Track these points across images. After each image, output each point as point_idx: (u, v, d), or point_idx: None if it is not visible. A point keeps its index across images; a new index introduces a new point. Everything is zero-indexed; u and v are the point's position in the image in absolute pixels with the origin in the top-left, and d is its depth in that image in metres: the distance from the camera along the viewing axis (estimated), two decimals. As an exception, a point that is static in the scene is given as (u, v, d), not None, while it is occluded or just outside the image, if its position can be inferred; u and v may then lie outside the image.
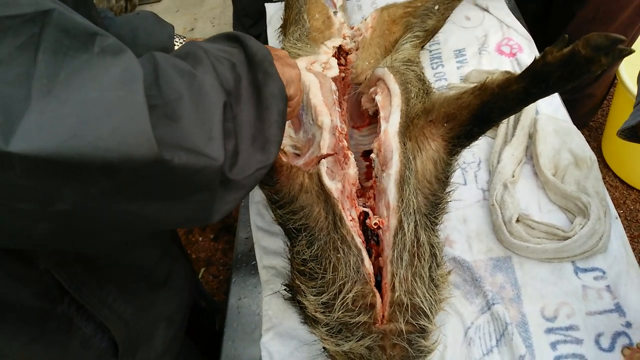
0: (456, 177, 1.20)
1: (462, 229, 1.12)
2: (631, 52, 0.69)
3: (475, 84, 0.91)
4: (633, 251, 1.95)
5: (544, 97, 0.82)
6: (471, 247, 1.08)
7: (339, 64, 1.24)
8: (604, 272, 1.01)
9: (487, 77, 0.89)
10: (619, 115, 2.03)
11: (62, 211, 0.45)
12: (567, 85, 0.77)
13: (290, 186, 0.89)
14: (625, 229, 2.03)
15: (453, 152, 0.92)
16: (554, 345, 0.94)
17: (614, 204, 2.09)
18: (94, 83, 0.44)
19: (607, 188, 2.13)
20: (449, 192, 0.96)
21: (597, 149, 2.24)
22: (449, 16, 1.36)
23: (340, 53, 1.25)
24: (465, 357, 0.95)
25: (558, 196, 1.10)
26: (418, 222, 0.87)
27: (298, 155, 1.03)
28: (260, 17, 1.71)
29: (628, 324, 0.95)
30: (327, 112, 0.95)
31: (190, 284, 1.08)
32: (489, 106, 0.85)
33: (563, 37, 0.74)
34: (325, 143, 0.93)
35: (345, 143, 0.95)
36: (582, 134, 2.23)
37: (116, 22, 0.94)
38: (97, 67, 0.45)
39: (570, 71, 0.72)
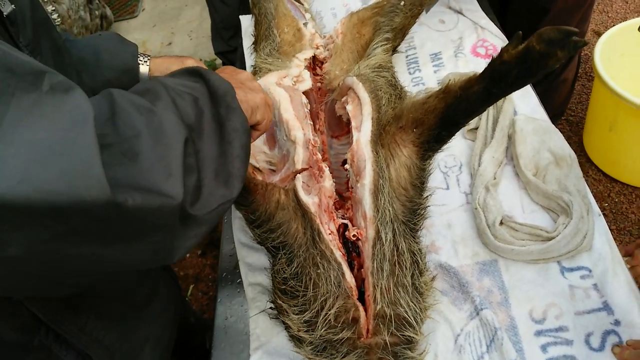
0: (438, 182, 1.20)
1: (447, 234, 1.11)
2: (585, 43, 0.69)
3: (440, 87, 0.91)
4: (620, 243, 1.97)
5: (506, 95, 0.83)
6: (457, 252, 1.08)
7: (315, 74, 1.23)
8: (590, 271, 1.01)
9: (450, 80, 0.89)
10: (599, 108, 2.05)
11: (13, 257, 0.44)
12: (527, 82, 0.77)
13: (267, 205, 0.88)
14: (611, 222, 2.05)
15: (425, 157, 0.92)
16: (544, 347, 0.94)
17: (598, 197, 2.12)
18: (42, 123, 0.42)
19: (590, 182, 2.15)
20: (427, 197, 0.96)
21: (579, 143, 2.26)
22: (418, 14, 1.35)
23: (315, 63, 1.24)
24: (456, 365, 0.94)
25: (540, 196, 1.10)
26: (396, 230, 0.86)
27: (274, 171, 1.02)
28: (240, 29, 1.71)
29: (617, 322, 0.94)
30: (299, 127, 0.94)
31: (176, 302, 1.06)
32: (453, 108, 0.85)
33: (517, 34, 0.74)
34: (300, 158, 0.91)
35: (319, 156, 0.94)
36: (563, 128, 2.25)
37: (78, 45, 0.92)
38: (46, 106, 0.43)
39: (527, 68, 0.72)
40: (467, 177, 1.19)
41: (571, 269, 1.02)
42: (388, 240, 0.85)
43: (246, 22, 1.70)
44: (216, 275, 2.10)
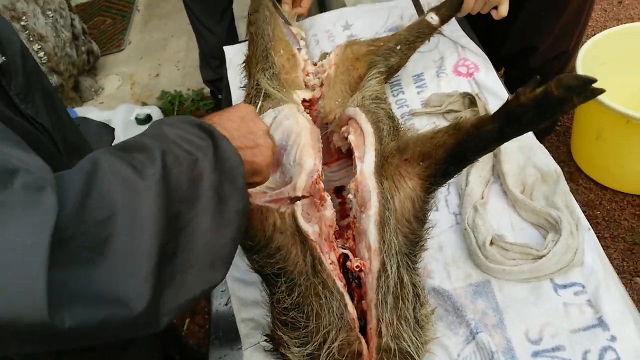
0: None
1: (439, 257, 1.11)
2: (602, 91, 0.70)
3: (449, 124, 0.93)
4: (615, 251, 1.96)
5: (519, 135, 0.83)
6: (449, 275, 1.07)
7: (310, 107, 1.25)
8: (583, 287, 1.01)
9: (460, 117, 0.91)
10: (584, 118, 2.06)
11: None
12: (541, 124, 0.79)
13: (265, 228, 0.88)
14: (604, 230, 2.05)
15: (430, 190, 0.92)
16: (542, 368, 0.93)
17: (589, 205, 2.12)
18: (5, 226, 0.41)
19: (581, 191, 2.16)
20: (427, 229, 0.96)
21: (567, 152, 2.27)
22: (411, 55, 1.37)
23: (311, 99, 1.26)
24: (455, 392, 0.93)
25: (529, 213, 1.10)
26: (400, 262, 0.86)
27: (265, 192, 1.01)
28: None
29: (613, 338, 0.94)
30: (312, 154, 0.95)
31: (159, 339, 1.04)
32: (465, 145, 0.86)
33: (535, 78, 0.76)
34: (302, 184, 0.91)
35: (322, 185, 0.94)
36: (551, 138, 2.25)
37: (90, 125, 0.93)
38: (15, 208, 0.42)
39: (543, 111, 0.74)
40: (455, 197, 1.19)
41: (564, 286, 1.01)
42: (393, 272, 0.84)
43: (230, 53, 1.71)
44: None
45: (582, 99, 0.70)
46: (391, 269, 0.82)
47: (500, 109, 0.81)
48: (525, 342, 0.96)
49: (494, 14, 1.32)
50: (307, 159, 0.94)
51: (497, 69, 2.51)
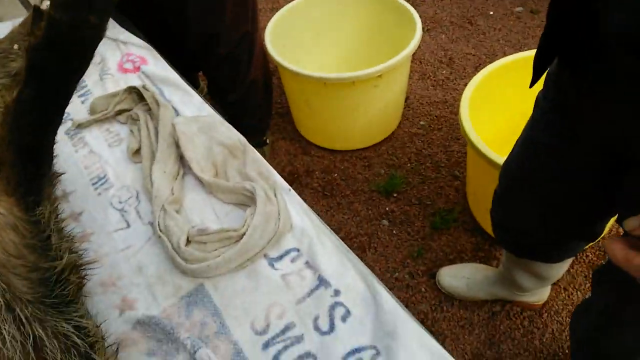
0: (116, 222, 0.98)
1: (141, 281, 0.90)
2: None
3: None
4: (359, 204, 2.05)
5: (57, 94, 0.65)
6: (156, 297, 0.87)
7: None
8: (298, 250, 0.92)
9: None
10: (291, 87, 2.12)
11: None
12: (82, 66, 0.61)
13: None
14: (345, 188, 2.14)
15: (30, 206, 0.68)
16: (276, 358, 0.80)
17: (327, 171, 2.19)
18: None
19: (316, 160, 2.22)
20: (62, 256, 0.72)
21: (293, 130, 2.33)
22: None
23: None
24: None
25: (227, 194, 0.98)
26: (21, 317, 0.61)
27: None
28: None
29: (337, 292, 0.86)
30: None
31: None
32: (22, 129, 0.64)
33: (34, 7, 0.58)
34: None
35: None
36: (276, 121, 2.23)
37: None
38: None
39: (64, 48, 0.56)
40: (147, 205, 1.00)
41: (280, 257, 0.91)
42: (7, 337, 0.59)
43: None
44: None
45: (97, 16, 0.55)
46: (1, 334, 0.58)
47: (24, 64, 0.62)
48: (253, 336, 0.82)
49: None
50: None
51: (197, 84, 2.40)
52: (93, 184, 1.04)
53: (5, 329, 0.58)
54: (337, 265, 0.90)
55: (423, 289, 1.81)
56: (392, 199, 2.08)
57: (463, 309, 1.75)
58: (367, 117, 2.09)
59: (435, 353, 0.75)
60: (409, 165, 2.21)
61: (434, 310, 1.75)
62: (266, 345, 0.81)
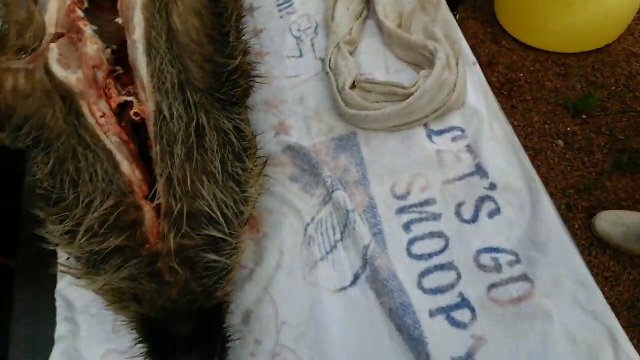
0: (290, 49, 0.98)
1: (300, 111, 0.90)
2: None
3: None
4: (537, 114, 1.83)
5: None
6: (310, 130, 0.88)
7: None
8: (463, 131, 0.83)
9: None
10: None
11: None
12: None
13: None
14: (527, 92, 1.90)
15: None
16: (407, 226, 0.77)
17: (512, 68, 1.95)
18: None
19: (504, 52, 1.97)
20: (239, 57, 0.72)
21: (491, 13, 2.05)
22: None
23: None
24: (305, 259, 0.77)
25: (405, 50, 0.89)
26: (190, 101, 0.64)
27: None
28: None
29: (492, 186, 0.78)
30: None
31: None
32: None
33: None
34: (53, 17, 0.66)
35: (80, 13, 0.68)
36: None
37: None
38: None
39: None
40: (324, 40, 0.97)
41: (441, 132, 0.84)
42: (175, 114, 0.63)
43: None
44: None
45: None
46: (170, 109, 0.61)
47: None
48: (390, 198, 0.80)
49: None
50: None
51: None
52: (278, 5, 1.03)
53: (175, 106, 0.62)
54: (502, 159, 0.80)
55: (577, 226, 1.61)
56: (579, 120, 1.80)
57: (614, 261, 1.54)
58: (585, 15, 1.74)
59: (586, 285, 0.66)
60: (613, 88, 1.86)
61: (582, 252, 1.57)
62: (401, 211, 0.78)
